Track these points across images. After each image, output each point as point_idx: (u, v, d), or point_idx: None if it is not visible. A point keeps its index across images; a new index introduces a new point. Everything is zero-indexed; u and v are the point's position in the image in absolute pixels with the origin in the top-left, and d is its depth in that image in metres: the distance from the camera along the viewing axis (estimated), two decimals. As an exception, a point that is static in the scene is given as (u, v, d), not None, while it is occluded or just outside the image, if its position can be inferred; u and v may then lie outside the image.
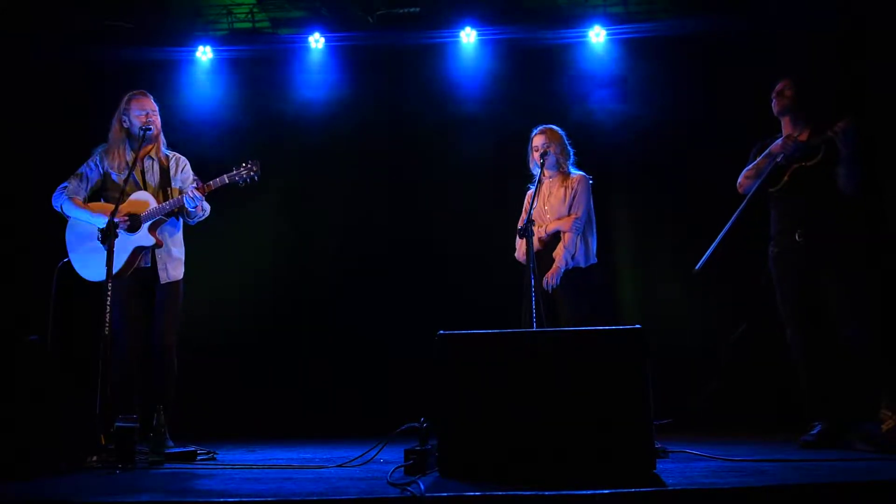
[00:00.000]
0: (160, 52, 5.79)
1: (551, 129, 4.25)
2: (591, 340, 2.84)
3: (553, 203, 4.20)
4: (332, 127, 5.74)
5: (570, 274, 4.06)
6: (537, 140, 4.23)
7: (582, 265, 4.11)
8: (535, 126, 4.31)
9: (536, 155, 4.18)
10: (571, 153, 4.28)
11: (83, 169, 4.03)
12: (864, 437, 3.42)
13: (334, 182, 5.75)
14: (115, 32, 5.66)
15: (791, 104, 3.84)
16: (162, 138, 4.12)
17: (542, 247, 4.15)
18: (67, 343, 4.11)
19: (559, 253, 4.08)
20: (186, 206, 3.87)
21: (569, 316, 3.95)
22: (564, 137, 4.27)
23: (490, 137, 5.56)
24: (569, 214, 4.13)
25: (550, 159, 4.17)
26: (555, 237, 4.15)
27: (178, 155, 4.15)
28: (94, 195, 4.04)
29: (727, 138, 4.82)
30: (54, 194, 3.99)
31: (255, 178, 3.92)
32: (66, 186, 3.99)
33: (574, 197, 4.15)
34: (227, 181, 3.92)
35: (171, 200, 3.91)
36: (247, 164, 3.93)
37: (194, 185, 3.88)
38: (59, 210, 3.98)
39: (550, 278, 4.04)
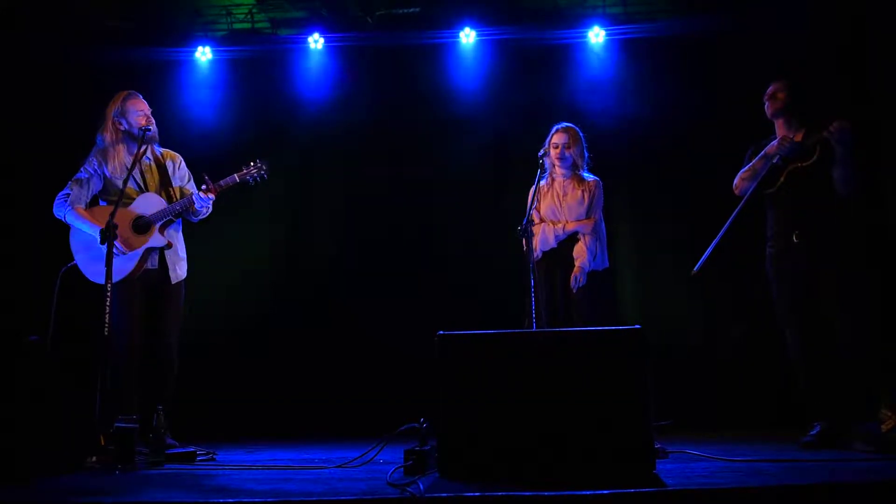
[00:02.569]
0: (159, 53, 5.78)
1: (574, 130, 4.24)
2: (591, 340, 2.84)
3: (570, 203, 4.19)
4: (331, 127, 5.73)
5: (588, 276, 4.07)
6: (558, 137, 4.21)
7: (598, 268, 4.12)
8: (555, 124, 4.30)
9: (555, 152, 4.17)
10: (587, 156, 4.28)
11: (82, 174, 3.92)
12: (864, 437, 3.42)
13: (334, 182, 5.75)
14: (115, 33, 5.65)
15: (784, 106, 3.85)
16: None
17: (556, 245, 4.16)
18: (67, 343, 4.10)
19: (582, 254, 4.08)
20: (197, 207, 3.87)
21: (585, 318, 3.95)
22: (583, 139, 4.26)
23: (489, 137, 5.56)
24: (587, 217, 4.14)
25: (566, 160, 4.17)
26: (571, 237, 4.15)
27: (172, 152, 4.13)
28: (94, 198, 4.01)
29: (727, 138, 4.81)
30: (55, 203, 3.89)
31: (265, 176, 3.91)
32: (67, 194, 3.89)
33: (592, 200, 4.16)
34: (238, 180, 3.91)
35: (181, 200, 3.90)
36: (256, 163, 3.92)
37: (204, 185, 3.87)
38: (63, 219, 3.91)
39: (578, 277, 4.04)
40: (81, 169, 3.95)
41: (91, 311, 3.83)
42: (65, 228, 3.98)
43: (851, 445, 3.45)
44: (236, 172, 3.92)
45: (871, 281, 4.42)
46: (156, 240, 3.87)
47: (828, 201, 3.71)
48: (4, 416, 3.04)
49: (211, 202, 3.88)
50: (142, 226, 3.87)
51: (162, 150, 4.10)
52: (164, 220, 3.88)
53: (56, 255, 4.11)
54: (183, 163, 4.11)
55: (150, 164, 4.01)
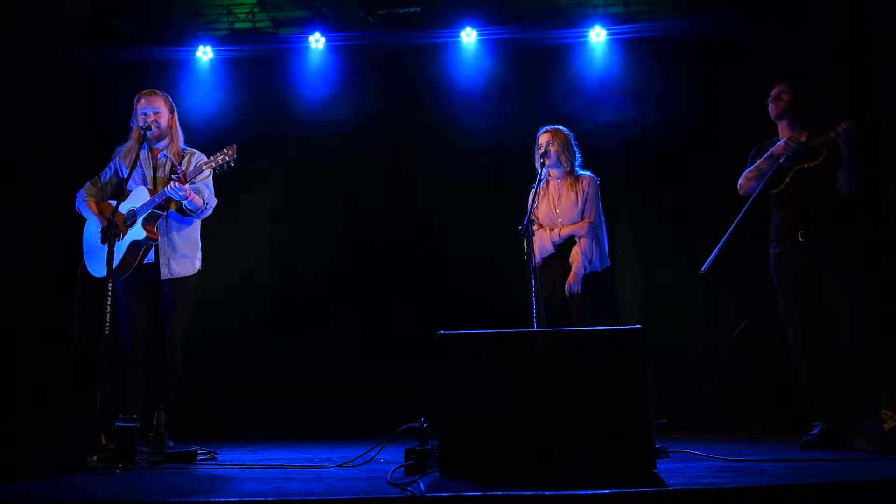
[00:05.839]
0: (160, 52, 5.80)
1: (556, 129, 4.24)
2: (591, 340, 2.84)
3: (565, 206, 4.18)
4: (332, 126, 5.74)
5: (586, 278, 4.07)
6: (541, 139, 4.24)
7: (598, 269, 4.11)
8: (541, 126, 4.31)
9: (540, 153, 4.19)
10: (577, 154, 4.27)
11: (103, 172, 4.13)
12: (865, 435, 3.42)
13: (334, 182, 5.75)
14: (116, 32, 5.66)
15: (788, 108, 3.86)
16: (180, 134, 4.13)
17: (555, 251, 4.15)
18: (67, 343, 4.12)
19: (577, 259, 4.07)
20: (172, 196, 3.86)
21: (586, 321, 3.94)
22: (571, 138, 4.25)
23: (490, 137, 5.56)
24: (582, 219, 4.13)
25: (552, 159, 4.17)
26: (569, 241, 4.14)
27: (193, 151, 4.14)
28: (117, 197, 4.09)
29: (727, 138, 4.82)
30: (76, 196, 4.09)
31: (232, 163, 3.83)
32: (86, 187, 4.10)
33: (586, 200, 4.15)
34: (203, 168, 3.90)
35: (157, 193, 3.91)
36: (224, 151, 3.88)
37: (174, 175, 3.88)
38: (77, 210, 4.08)
39: (572, 285, 4.04)
40: (107, 166, 4.15)
41: (90, 309, 3.84)
42: (66, 227, 4.01)
43: (853, 444, 3.45)
44: (202, 161, 3.93)
45: (873, 282, 4.41)
46: (136, 232, 3.89)
47: (833, 202, 3.71)
48: (5, 416, 3.05)
49: (186, 191, 3.82)
50: (130, 220, 3.91)
51: (187, 148, 4.15)
52: (146, 213, 3.90)
53: (56, 254, 4.12)
54: (202, 160, 4.01)
55: (165, 162, 4.07)
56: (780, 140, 3.87)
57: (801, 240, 3.73)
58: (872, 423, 3.46)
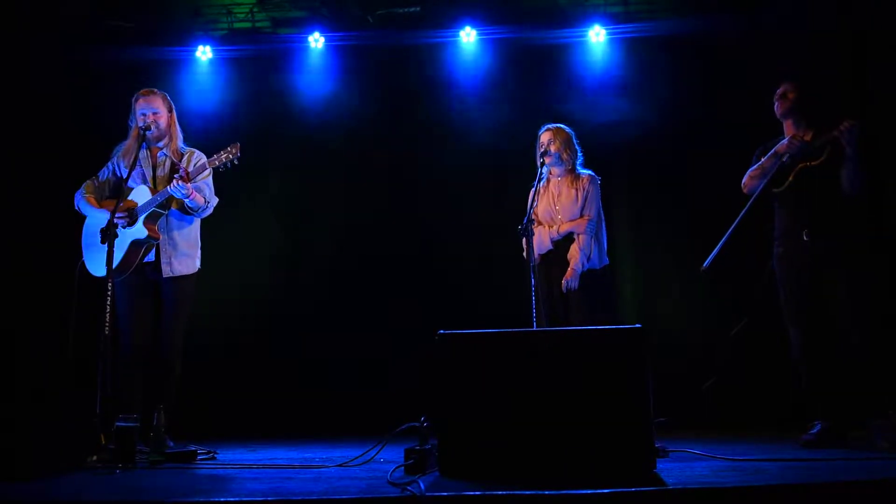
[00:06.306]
0: (160, 52, 5.79)
1: (557, 128, 4.26)
2: (591, 340, 2.84)
3: (564, 203, 4.19)
4: (331, 126, 5.73)
5: (584, 276, 4.07)
6: (542, 137, 4.25)
7: (596, 267, 4.11)
8: (542, 125, 4.32)
9: (541, 151, 4.19)
10: (579, 152, 4.28)
11: (102, 171, 4.13)
12: (883, 430, 3.40)
13: (334, 181, 5.74)
14: (115, 32, 5.65)
15: (794, 107, 3.86)
16: (179, 133, 4.14)
17: (553, 248, 4.16)
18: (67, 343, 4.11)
19: (575, 255, 4.08)
20: (174, 195, 3.86)
21: (583, 319, 3.95)
22: (572, 136, 4.27)
23: (490, 137, 5.55)
24: (581, 216, 4.14)
25: (553, 157, 4.18)
26: (567, 238, 4.15)
27: (193, 150, 4.14)
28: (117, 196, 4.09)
29: (727, 138, 4.82)
30: (75, 194, 4.08)
31: (235, 161, 3.83)
32: (84, 186, 4.09)
33: (586, 198, 4.16)
34: (207, 166, 3.91)
35: (159, 192, 3.91)
36: (227, 149, 3.89)
37: (177, 174, 3.88)
38: (77, 208, 4.07)
39: (569, 281, 4.04)
40: (105, 166, 4.15)
41: (90, 308, 3.84)
42: (65, 227, 4.00)
43: (872, 442, 3.43)
44: (206, 158, 3.94)
45: (876, 281, 4.41)
46: (137, 231, 3.89)
47: (836, 201, 3.71)
48: (4, 416, 3.04)
49: (188, 189, 3.82)
50: (131, 219, 3.91)
51: (187, 147, 4.15)
52: (147, 211, 3.90)
53: (55, 254, 4.12)
54: (203, 161, 4.00)
55: (164, 160, 4.07)
56: (784, 139, 3.87)
57: (805, 238, 3.73)
58: (886, 421, 3.44)
